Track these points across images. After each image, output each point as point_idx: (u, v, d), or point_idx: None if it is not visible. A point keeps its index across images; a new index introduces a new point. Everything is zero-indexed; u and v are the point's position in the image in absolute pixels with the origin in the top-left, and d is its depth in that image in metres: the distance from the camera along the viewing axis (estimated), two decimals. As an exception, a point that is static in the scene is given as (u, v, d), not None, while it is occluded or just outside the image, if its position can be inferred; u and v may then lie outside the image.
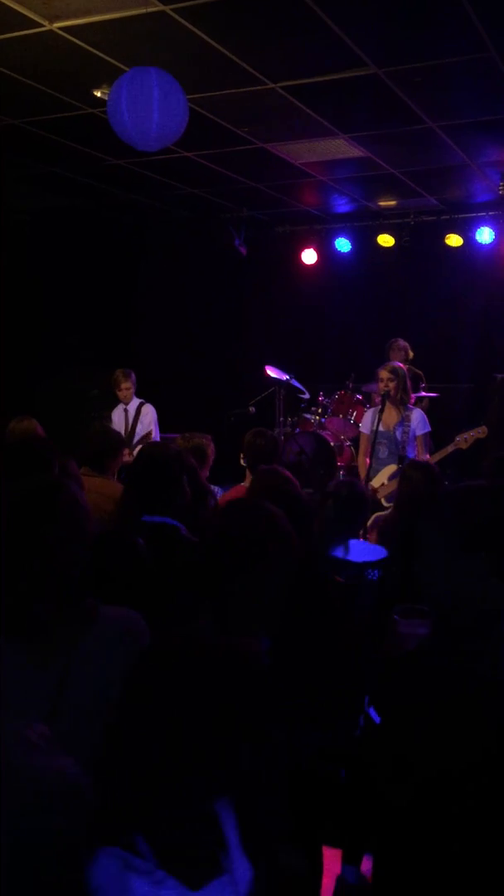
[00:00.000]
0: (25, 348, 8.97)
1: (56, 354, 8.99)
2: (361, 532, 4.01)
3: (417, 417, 5.94)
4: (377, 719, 1.76)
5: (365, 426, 6.11)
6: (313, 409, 8.40)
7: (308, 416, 8.36)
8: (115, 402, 7.60)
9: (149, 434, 7.37)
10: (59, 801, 1.10)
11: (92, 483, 3.97)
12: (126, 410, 7.50)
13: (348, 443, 8.00)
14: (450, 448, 5.73)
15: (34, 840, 1.06)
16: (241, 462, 4.72)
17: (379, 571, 3.29)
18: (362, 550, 3.43)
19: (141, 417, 7.44)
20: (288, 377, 8.30)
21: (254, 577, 1.86)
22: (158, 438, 7.31)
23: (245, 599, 1.83)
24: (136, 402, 7.52)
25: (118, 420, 7.50)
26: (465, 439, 5.69)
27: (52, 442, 3.41)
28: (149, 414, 7.51)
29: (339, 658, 2.62)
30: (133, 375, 7.48)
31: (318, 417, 8.26)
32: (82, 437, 4.84)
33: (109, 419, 7.54)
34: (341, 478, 7.10)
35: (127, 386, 7.40)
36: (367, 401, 8.01)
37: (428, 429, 5.97)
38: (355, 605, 2.99)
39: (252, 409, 8.52)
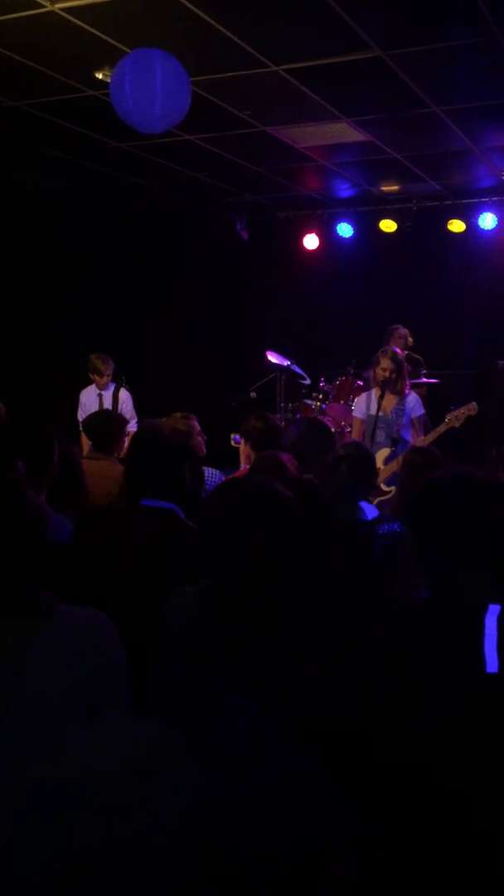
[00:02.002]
0: (23, 331, 8.95)
1: (55, 338, 8.98)
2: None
3: (412, 400, 5.98)
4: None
5: (359, 411, 6.13)
6: (314, 394, 8.40)
7: (309, 401, 8.36)
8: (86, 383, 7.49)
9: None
10: (194, 818, 0.89)
11: (96, 466, 3.98)
12: (101, 395, 7.37)
13: (349, 429, 7.99)
14: (442, 428, 5.74)
15: (164, 866, 0.83)
16: (232, 443, 4.73)
17: (389, 525, 3.31)
18: (371, 509, 3.47)
19: (120, 404, 7.34)
20: (289, 363, 8.30)
21: (256, 548, 1.90)
22: (136, 422, 7.27)
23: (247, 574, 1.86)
24: (111, 386, 7.41)
25: (90, 403, 7.36)
26: (456, 417, 5.69)
27: (50, 426, 3.39)
28: (128, 400, 7.42)
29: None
30: (111, 361, 7.34)
31: (318, 403, 8.27)
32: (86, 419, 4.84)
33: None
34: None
35: (109, 373, 7.30)
36: (368, 387, 8.00)
37: (422, 411, 6.02)
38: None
39: (253, 394, 8.53)
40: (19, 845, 0.81)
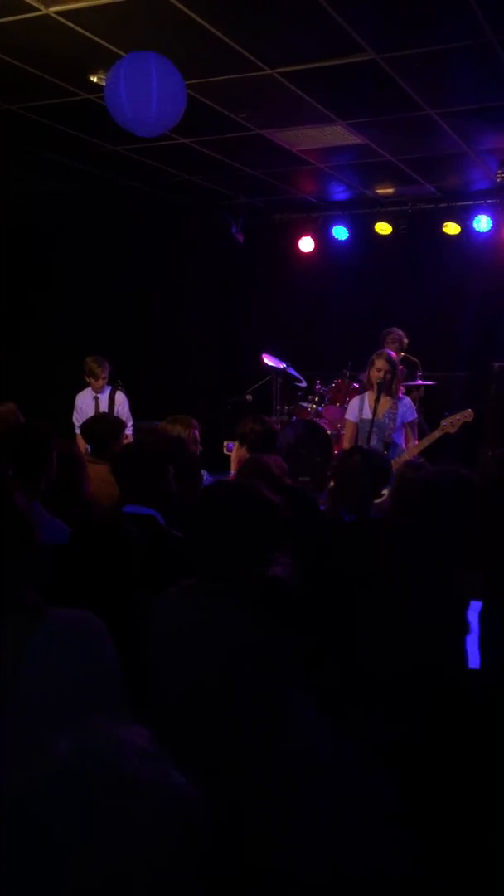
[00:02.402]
0: (19, 333, 8.94)
1: (50, 340, 8.97)
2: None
3: (405, 405, 5.98)
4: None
5: (351, 414, 6.12)
6: (310, 397, 8.40)
7: (305, 404, 8.36)
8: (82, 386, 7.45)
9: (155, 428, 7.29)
10: (175, 821, 0.87)
11: (95, 470, 3.98)
12: (97, 398, 7.35)
13: (344, 431, 8.01)
14: (437, 434, 5.71)
15: (144, 868, 0.86)
16: (225, 451, 4.74)
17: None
18: None
19: (116, 407, 7.31)
20: (285, 365, 8.30)
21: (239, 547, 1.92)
22: (133, 425, 7.25)
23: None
24: (107, 389, 7.37)
25: (86, 406, 7.34)
26: (451, 423, 5.67)
27: (49, 427, 3.38)
28: (124, 403, 7.39)
29: None
30: (107, 363, 7.32)
31: (314, 406, 8.27)
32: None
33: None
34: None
35: (105, 376, 7.26)
36: (364, 389, 8.01)
37: (414, 416, 6.02)
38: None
39: (249, 397, 8.52)
40: (1, 846, 0.82)
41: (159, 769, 0.89)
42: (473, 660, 1.63)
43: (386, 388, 5.84)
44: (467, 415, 5.69)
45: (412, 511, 1.87)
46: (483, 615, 1.65)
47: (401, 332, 7.77)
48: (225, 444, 4.88)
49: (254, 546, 2.12)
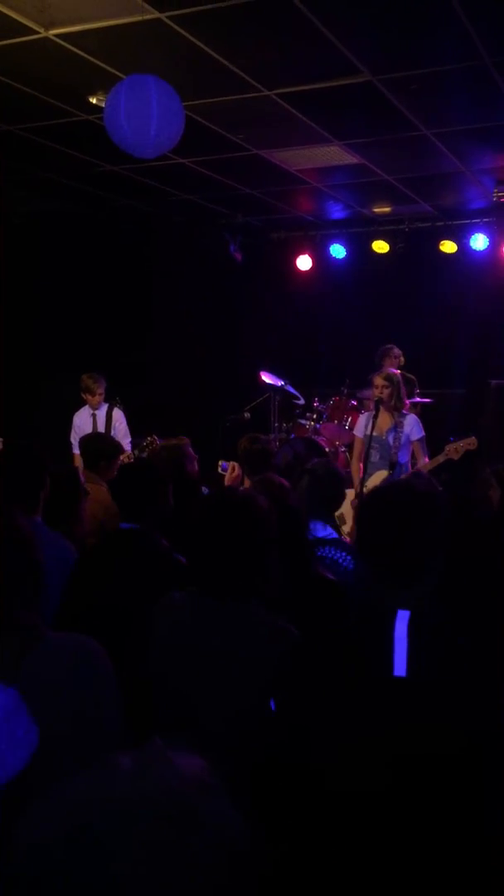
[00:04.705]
0: (16, 351, 8.96)
1: (50, 359, 8.99)
2: (338, 514, 4.00)
3: (411, 422, 5.95)
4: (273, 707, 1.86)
5: (359, 430, 6.13)
6: (308, 414, 8.42)
7: (303, 421, 8.38)
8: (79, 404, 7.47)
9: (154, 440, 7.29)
10: (231, 859, 0.82)
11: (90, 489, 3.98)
12: (94, 415, 7.35)
13: (343, 448, 8.01)
14: (440, 458, 5.73)
15: None
16: (220, 470, 4.76)
17: (334, 550, 3.31)
18: (322, 529, 3.45)
19: (114, 423, 7.32)
20: (283, 383, 8.32)
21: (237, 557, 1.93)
22: (130, 441, 7.25)
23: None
24: (104, 406, 7.38)
25: (83, 424, 7.34)
26: (455, 449, 5.68)
27: (41, 448, 3.37)
28: (121, 419, 7.40)
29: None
30: (103, 380, 7.33)
31: (313, 423, 8.28)
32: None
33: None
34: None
35: (101, 392, 7.27)
36: (362, 406, 8.03)
37: (422, 434, 5.98)
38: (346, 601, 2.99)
39: (247, 414, 8.54)
40: (57, 869, 0.77)
41: (218, 802, 0.85)
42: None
43: (385, 405, 5.85)
44: (471, 442, 5.68)
45: (360, 525, 1.89)
46: (412, 624, 1.67)
47: (398, 350, 7.79)
48: (219, 463, 4.88)
49: (251, 553, 2.13)
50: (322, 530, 3.42)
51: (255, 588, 2.15)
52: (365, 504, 1.88)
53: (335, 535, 3.50)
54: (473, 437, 5.71)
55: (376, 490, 1.96)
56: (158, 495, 3.09)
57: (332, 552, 3.28)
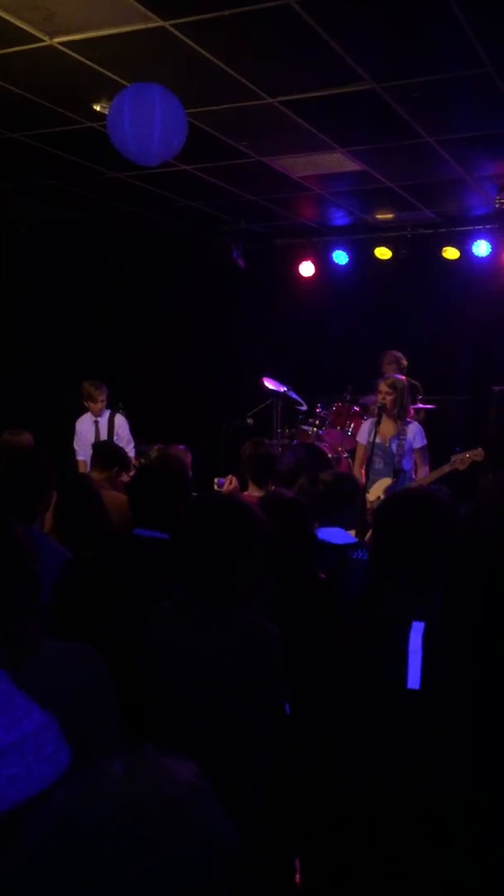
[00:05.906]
0: (23, 360, 8.98)
1: (53, 366, 9.01)
2: (354, 531, 4.00)
3: (414, 430, 5.93)
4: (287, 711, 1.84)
5: (362, 437, 6.11)
6: (311, 420, 8.41)
7: (306, 427, 8.37)
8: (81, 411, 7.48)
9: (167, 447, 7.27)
10: (218, 862, 0.83)
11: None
12: (97, 422, 7.35)
13: (346, 454, 8.01)
14: (446, 468, 5.67)
15: None
16: (216, 486, 4.79)
17: (364, 552, 3.31)
18: (344, 535, 3.45)
19: (117, 429, 7.32)
20: (285, 389, 8.33)
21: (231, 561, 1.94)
22: (134, 448, 7.26)
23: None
24: (106, 412, 7.38)
25: (86, 431, 7.34)
26: (461, 460, 5.62)
27: (46, 455, 3.37)
28: (124, 425, 7.40)
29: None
30: (104, 387, 7.33)
31: (315, 429, 8.28)
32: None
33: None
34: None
35: (103, 399, 7.27)
36: (365, 412, 8.02)
37: (424, 442, 5.96)
38: (338, 600, 2.99)
39: (250, 420, 8.55)
40: (41, 868, 0.78)
41: (208, 807, 0.85)
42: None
43: (387, 412, 5.83)
44: (478, 453, 5.65)
45: (379, 530, 1.88)
46: (427, 636, 1.67)
47: (399, 354, 7.79)
48: (216, 480, 4.91)
49: (240, 558, 2.13)
50: (346, 537, 3.43)
51: (237, 587, 2.13)
52: (385, 510, 1.87)
53: (354, 539, 3.51)
54: (480, 449, 5.66)
55: (397, 496, 1.94)
56: (182, 505, 3.05)
57: (362, 554, 3.29)
